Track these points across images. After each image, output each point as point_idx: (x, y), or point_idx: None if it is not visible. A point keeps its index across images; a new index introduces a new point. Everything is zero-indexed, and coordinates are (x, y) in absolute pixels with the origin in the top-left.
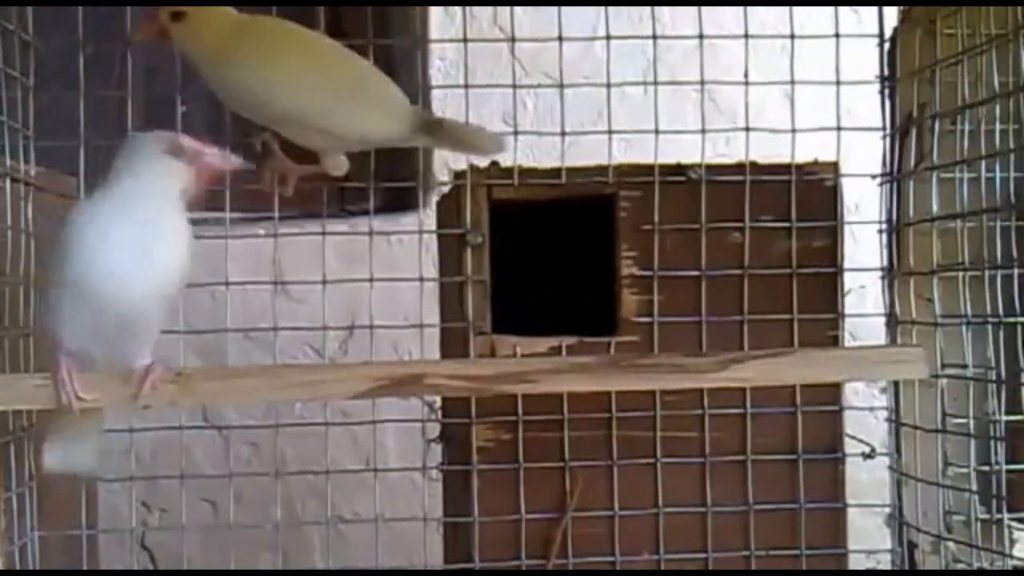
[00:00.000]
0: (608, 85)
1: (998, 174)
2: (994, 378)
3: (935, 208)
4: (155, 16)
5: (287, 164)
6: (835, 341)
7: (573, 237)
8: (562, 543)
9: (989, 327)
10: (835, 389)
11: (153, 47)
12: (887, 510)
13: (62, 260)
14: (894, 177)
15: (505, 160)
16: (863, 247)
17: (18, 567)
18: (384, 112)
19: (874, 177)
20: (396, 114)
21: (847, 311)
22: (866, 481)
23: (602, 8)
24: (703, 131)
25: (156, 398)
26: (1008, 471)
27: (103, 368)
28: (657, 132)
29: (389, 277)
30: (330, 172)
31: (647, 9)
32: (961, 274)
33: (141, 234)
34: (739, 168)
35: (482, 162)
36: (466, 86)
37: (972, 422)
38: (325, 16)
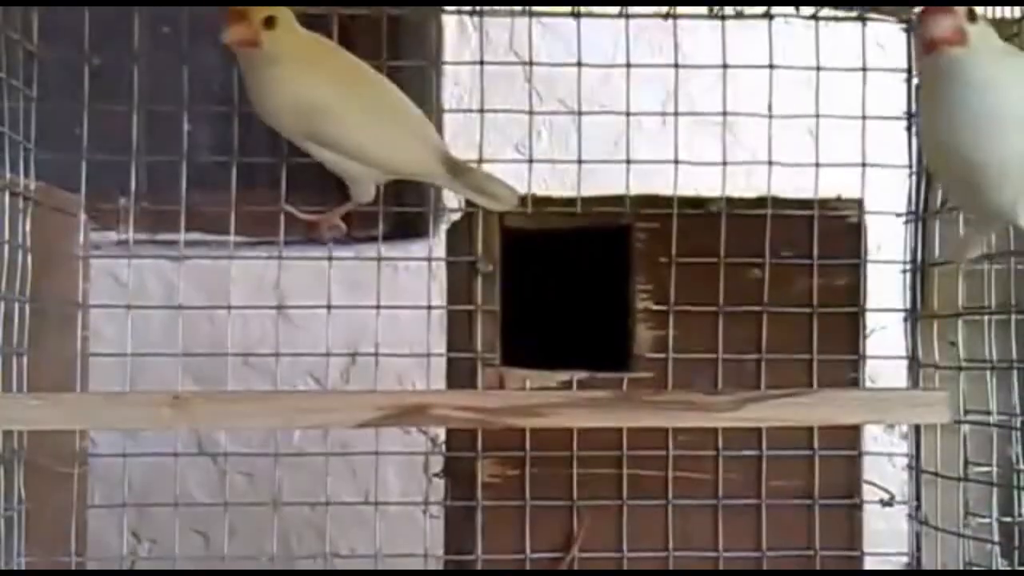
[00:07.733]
0: (628, 114)
1: None
2: (1018, 425)
3: None
4: (249, 21)
5: (333, 216)
6: (855, 383)
7: (587, 269)
8: None
9: (1015, 373)
10: (853, 433)
11: (159, 63)
12: (905, 560)
13: None
14: (919, 216)
15: (519, 188)
16: (885, 287)
17: None
18: (423, 144)
19: (899, 215)
20: (432, 148)
21: (867, 353)
22: (884, 529)
23: (621, 35)
24: (724, 163)
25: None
26: None
27: None
28: (677, 163)
29: (395, 305)
30: (360, 201)
31: (668, 37)
32: (987, 317)
33: None
34: (760, 202)
35: None
36: (482, 111)
37: (995, 470)
38: (338, 35)
